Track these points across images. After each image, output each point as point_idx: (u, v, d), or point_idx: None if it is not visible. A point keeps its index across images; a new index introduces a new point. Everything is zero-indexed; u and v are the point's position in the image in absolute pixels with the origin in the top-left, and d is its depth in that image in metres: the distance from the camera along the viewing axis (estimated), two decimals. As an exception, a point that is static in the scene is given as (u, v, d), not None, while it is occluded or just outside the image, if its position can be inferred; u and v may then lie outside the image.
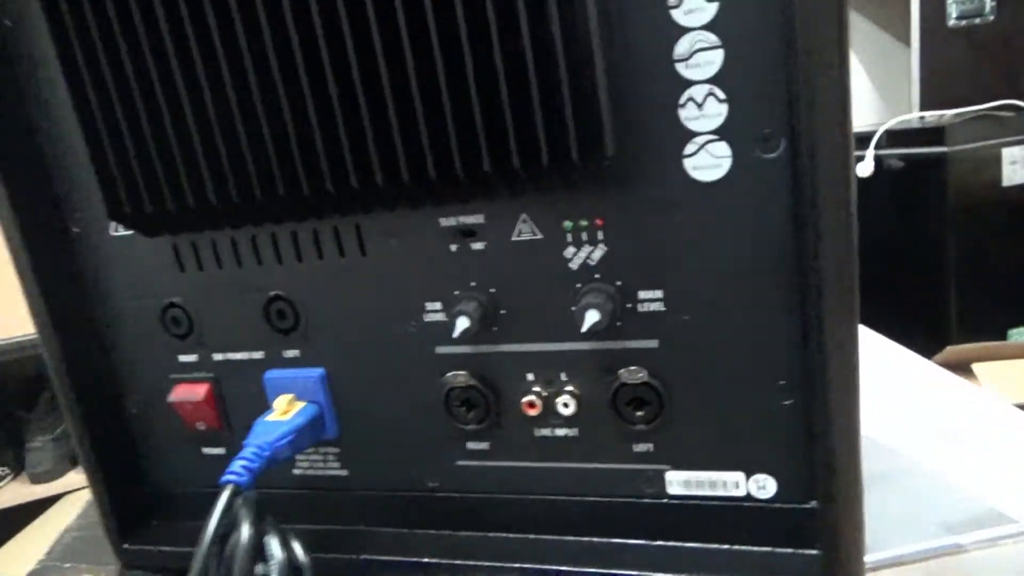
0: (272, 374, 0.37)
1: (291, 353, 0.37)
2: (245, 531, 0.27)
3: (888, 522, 0.34)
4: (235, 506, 0.29)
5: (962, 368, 1.37)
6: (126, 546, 0.40)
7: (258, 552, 0.29)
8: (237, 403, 0.38)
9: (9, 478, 1.69)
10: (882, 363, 0.57)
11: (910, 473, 0.39)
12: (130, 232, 0.37)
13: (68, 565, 0.42)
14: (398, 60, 0.28)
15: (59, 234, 0.38)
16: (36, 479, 1.68)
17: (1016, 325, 1.89)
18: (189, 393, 0.38)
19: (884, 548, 0.33)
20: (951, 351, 1.46)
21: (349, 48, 0.28)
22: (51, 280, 0.37)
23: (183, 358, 0.38)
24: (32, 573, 0.41)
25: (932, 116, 2.06)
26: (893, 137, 1.80)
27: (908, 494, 0.37)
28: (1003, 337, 1.85)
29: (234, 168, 0.31)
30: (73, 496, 1.57)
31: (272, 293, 0.36)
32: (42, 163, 0.37)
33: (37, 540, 1.39)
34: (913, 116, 2.13)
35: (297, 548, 0.28)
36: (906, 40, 2.26)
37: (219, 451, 0.40)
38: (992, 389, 1.20)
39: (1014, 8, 2.12)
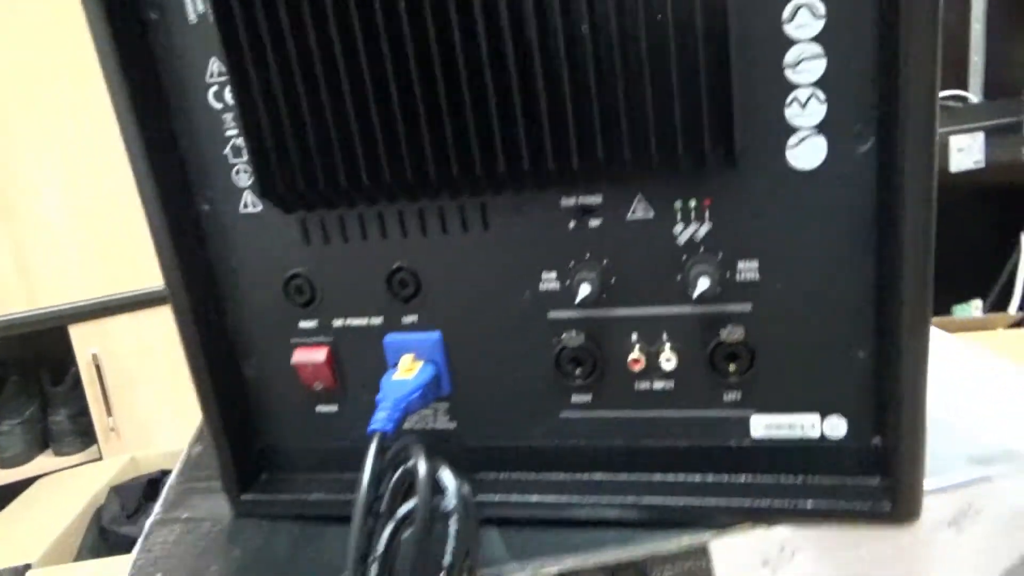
0: (392, 337, 0.41)
1: (409, 319, 0.41)
2: (423, 464, 0.32)
3: (928, 459, 0.40)
4: (409, 444, 0.33)
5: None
6: (243, 497, 0.44)
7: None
8: (352, 365, 0.42)
9: (-22, 464, 1.67)
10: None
11: (938, 418, 0.46)
12: (258, 209, 0.40)
13: (185, 515, 0.45)
14: (552, 59, 0.32)
15: (191, 211, 0.41)
16: (5, 464, 1.66)
17: (959, 302, 2.03)
18: (310, 355, 0.42)
19: (928, 480, 0.39)
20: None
21: (506, 37, 0.32)
22: (184, 255, 0.40)
23: (304, 324, 0.42)
24: (155, 523, 0.45)
25: (884, 105, 2.17)
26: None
27: (940, 436, 0.43)
28: (948, 312, 1.98)
29: (388, 151, 0.35)
30: (46, 480, 1.56)
31: (396, 264, 0.40)
32: (176, 147, 0.40)
33: (11, 525, 1.39)
34: (867, 104, 2.22)
35: (464, 481, 0.33)
36: (860, 31, 2.36)
37: (332, 408, 0.44)
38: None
39: (959, 4, 2.23)
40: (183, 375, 0.41)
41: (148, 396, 1.67)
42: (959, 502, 0.39)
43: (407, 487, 0.33)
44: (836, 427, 0.38)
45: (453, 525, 0.31)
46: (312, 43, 0.34)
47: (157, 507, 0.46)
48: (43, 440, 1.74)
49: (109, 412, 1.68)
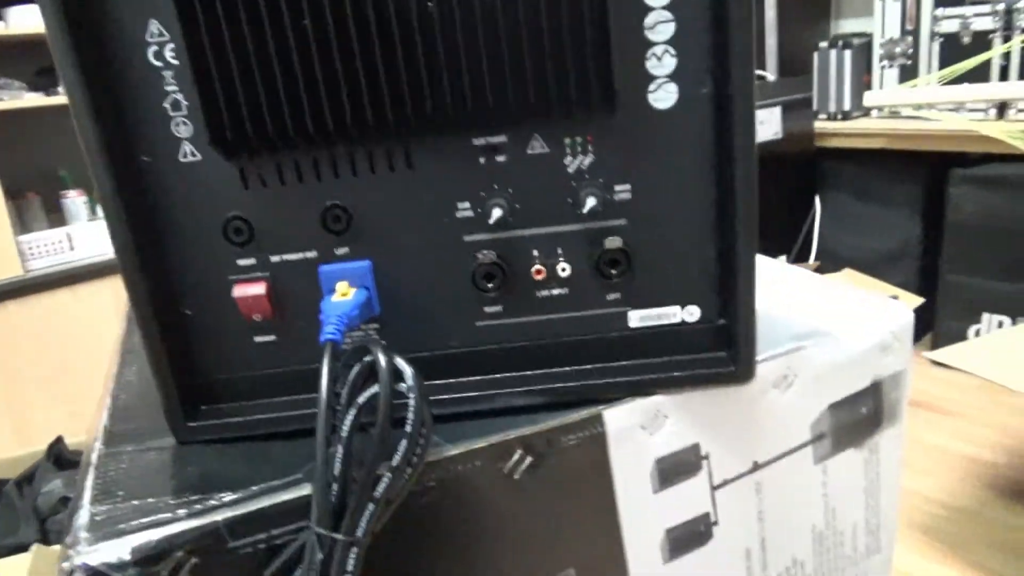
0: (326, 267, 0.47)
1: (342, 251, 0.47)
2: (382, 355, 0.39)
3: (760, 338, 0.51)
4: (368, 343, 0.40)
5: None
6: (189, 424, 0.49)
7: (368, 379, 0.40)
8: (288, 296, 0.48)
9: None
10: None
11: (769, 312, 0.58)
12: (198, 158, 0.45)
13: (130, 448, 0.49)
14: (472, 21, 0.40)
15: (133, 163, 0.45)
16: None
17: (768, 256, 2.30)
18: (249, 289, 0.47)
19: (760, 352, 0.51)
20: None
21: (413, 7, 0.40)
22: (127, 205, 0.44)
23: (242, 262, 0.47)
24: (101, 455, 0.48)
25: (699, 83, 2.40)
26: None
27: (770, 323, 0.56)
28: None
29: (330, 99, 0.41)
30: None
31: (329, 203, 0.46)
32: (116, 104, 0.44)
33: None
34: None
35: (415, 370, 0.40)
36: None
37: (270, 338, 0.49)
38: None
39: (756, -8, 2.50)
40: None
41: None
42: (781, 368, 0.51)
43: (363, 381, 0.40)
44: (692, 314, 0.48)
45: (412, 402, 0.38)
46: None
47: (96, 446, 0.49)
48: None
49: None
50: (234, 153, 0.44)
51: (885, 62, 2.48)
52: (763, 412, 0.51)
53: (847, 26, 2.78)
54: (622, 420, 0.48)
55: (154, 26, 0.43)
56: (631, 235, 0.46)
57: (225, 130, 0.42)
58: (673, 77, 0.43)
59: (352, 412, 0.40)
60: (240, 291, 0.47)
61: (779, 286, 0.67)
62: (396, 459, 0.38)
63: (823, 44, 2.47)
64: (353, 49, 0.40)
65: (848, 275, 1.92)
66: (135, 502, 0.43)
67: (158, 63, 0.43)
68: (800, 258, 2.50)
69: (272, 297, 0.48)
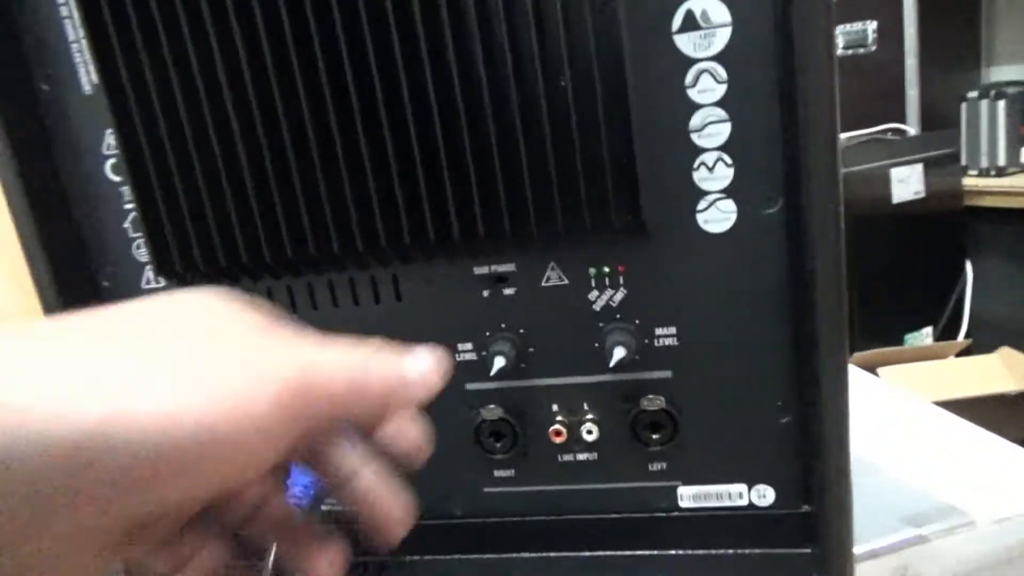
0: (304, 415, 0.39)
1: (323, 394, 0.39)
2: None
3: (861, 519, 0.38)
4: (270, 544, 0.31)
5: (868, 372, 1.49)
6: None
7: None
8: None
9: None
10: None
11: (865, 474, 0.45)
12: (161, 284, 0.38)
13: None
14: (455, 130, 0.31)
15: (91, 289, 0.39)
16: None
17: (911, 330, 2.06)
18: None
19: (860, 543, 0.38)
20: (856, 358, 1.59)
21: (407, 111, 0.31)
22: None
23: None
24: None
25: (827, 139, 2.23)
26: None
27: (871, 494, 0.43)
28: (900, 341, 2.01)
29: (289, 226, 0.33)
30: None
31: (306, 339, 0.38)
32: (71, 223, 0.38)
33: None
34: (811, 139, 2.28)
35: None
36: (801, 68, 2.43)
37: (245, 491, 0.41)
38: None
39: (892, 39, 2.31)
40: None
41: None
42: (894, 565, 0.38)
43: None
44: (764, 495, 0.36)
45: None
46: (208, 120, 0.33)
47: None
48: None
49: None
50: (189, 283, 0.37)
51: (1047, 112, 2.21)
52: (867, 626, 0.38)
53: (1000, 74, 2.51)
54: (666, 633, 0.36)
55: (111, 137, 0.37)
56: (678, 392, 0.36)
57: (172, 258, 0.35)
58: (729, 192, 0.33)
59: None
60: (208, 437, 0.40)
61: (883, 421, 0.53)
62: None
63: (972, 94, 2.23)
64: (314, 164, 0.33)
65: (1003, 357, 1.66)
66: None
67: (116, 177, 0.37)
68: (948, 332, 2.23)
69: (245, 445, 0.40)
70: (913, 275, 2.17)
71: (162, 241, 0.34)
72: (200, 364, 0.19)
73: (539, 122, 0.31)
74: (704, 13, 0.31)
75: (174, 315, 0.21)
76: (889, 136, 2.16)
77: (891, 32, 2.34)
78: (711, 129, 0.32)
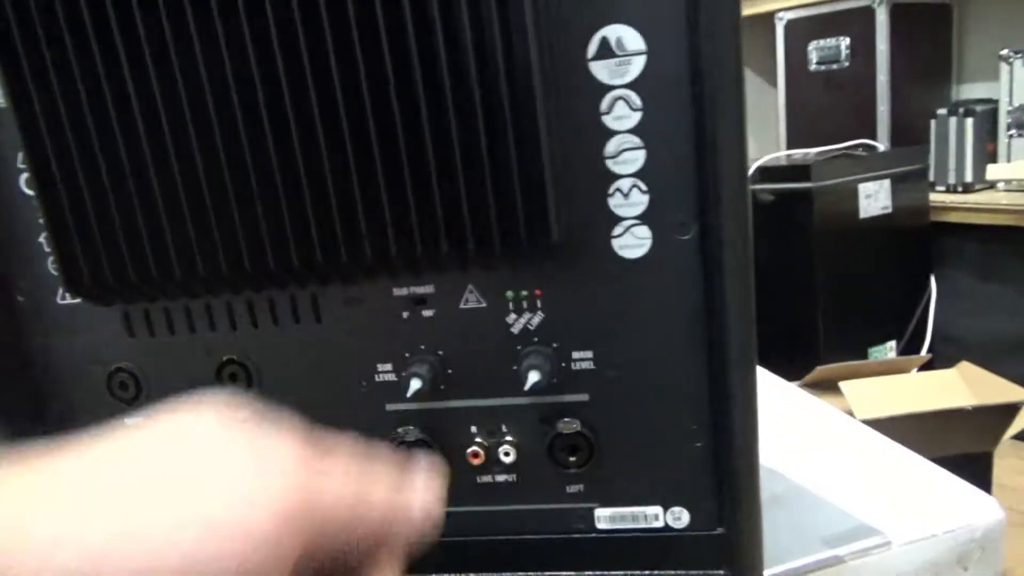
0: (224, 432, 0.38)
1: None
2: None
3: (778, 539, 0.39)
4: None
5: (830, 385, 1.51)
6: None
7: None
8: (185, 461, 0.40)
9: None
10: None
11: (789, 495, 0.45)
12: (77, 300, 0.38)
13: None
14: (365, 146, 0.31)
15: (5, 303, 0.38)
16: None
17: (875, 344, 2.09)
18: (137, 453, 0.39)
19: (775, 564, 0.38)
20: (820, 371, 1.60)
21: (319, 131, 0.31)
22: (-6, 347, 0.37)
23: (130, 421, 0.39)
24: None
25: (798, 154, 2.25)
26: (764, 173, 1.96)
27: (791, 514, 0.43)
28: (864, 355, 2.03)
29: (200, 242, 0.33)
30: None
31: (225, 357, 0.38)
32: (-14, 232, 0.37)
33: None
34: (781, 154, 2.31)
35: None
36: (773, 82, 2.46)
37: (166, 508, 0.41)
38: (856, 404, 1.33)
39: (865, 55, 2.34)
40: None
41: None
42: (809, 588, 0.38)
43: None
44: (678, 517, 0.37)
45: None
46: (116, 128, 0.32)
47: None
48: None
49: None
50: (100, 299, 0.36)
51: (1013, 131, 2.25)
52: (781, 649, 0.38)
53: (969, 91, 2.55)
54: (580, 656, 0.36)
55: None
56: (595, 415, 0.36)
57: (81, 274, 0.34)
58: (644, 218, 0.33)
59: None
60: (127, 454, 0.39)
61: (813, 441, 0.53)
62: None
63: (942, 111, 2.27)
64: (223, 180, 0.32)
65: (963, 372, 1.69)
66: None
67: (31, 192, 0.37)
68: (912, 346, 2.26)
69: (165, 462, 0.40)
70: (879, 289, 2.19)
71: (71, 257, 0.34)
72: (199, 495, 0.20)
73: (449, 143, 0.31)
74: (619, 41, 0.31)
75: (174, 445, 0.22)
76: (859, 152, 2.18)
77: (864, 48, 2.37)
78: (626, 156, 0.32)
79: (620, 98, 0.32)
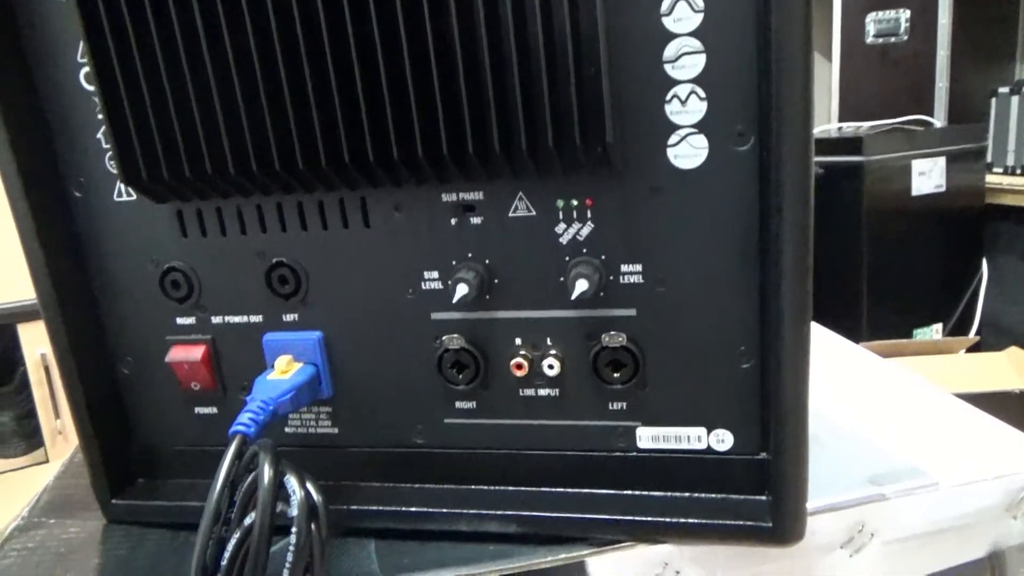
0: (271, 336, 0.39)
1: (290, 317, 0.39)
2: (267, 471, 0.30)
3: (822, 476, 0.38)
4: (259, 448, 0.31)
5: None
6: (114, 501, 0.42)
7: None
8: (232, 365, 0.40)
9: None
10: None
11: (839, 436, 0.45)
12: (133, 198, 0.38)
13: (52, 520, 0.43)
14: (420, 45, 0.31)
15: (61, 198, 0.39)
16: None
17: (920, 326, 2.04)
18: (186, 354, 0.40)
19: (816, 498, 0.38)
20: (864, 347, 1.56)
21: (374, 28, 0.31)
22: (52, 244, 0.38)
23: (181, 320, 0.40)
24: (17, 528, 0.42)
25: (849, 127, 2.19)
26: (815, 145, 1.91)
27: (838, 453, 0.42)
28: (909, 336, 1.99)
29: (255, 138, 0.33)
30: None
31: (275, 260, 0.38)
32: (46, 129, 0.38)
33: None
34: (832, 127, 2.26)
35: (312, 487, 0.31)
36: (828, 55, 2.39)
37: (211, 411, 0.42)
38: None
39: (924, 29, 2.26)
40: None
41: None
42: (851, 522, 0.38)
43: (252, 496, 0.31)
44: (722, 440, 0.36)
45: (293, 536, 0.29)
46: (175, 24, 0.32)
47: (24, 511, 0.44)
48: (-7, 438, 1.70)
49: (57, 414, 1.64)
50: (156, 195, 0.37)
51: (1079, 112, 2.15)
52: (819, 580, 0.38)
53: (1035, 70, 2.45)
54: (613, 572, 0.36)
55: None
56: (641, 331, 0.35)
57: (138, 167, 0.35)
58: (702, 127, 0.32)
59: (237, 535, 0.31)
60: (176, 355, 0.40)
61: (870, 390, 0.52)
62: (268, 611, 0.29)
63: (1003, 89, 2.18)
64: (280, 75, 0.32)
65: (1011, 356, 1.64)
66: (7, 601, 0.36)
67: (90, 87, 0.37)
68: (958, 330, 2.20)
69: (212, 364, 0.40)
70: (927, 270, 2.14)
71: (129, 150, 0.34)
72: None
73: (504, 43, 0.30)
74: (685, -60, 0.30)
75: None
76: (913, 128, 2.11)
77: (924, 22, 2.29)
78: (685, 60, 0.31)
79: None
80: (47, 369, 1.61)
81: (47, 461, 1.64)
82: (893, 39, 2.36)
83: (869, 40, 2.37)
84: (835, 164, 1.92)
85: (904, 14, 2.34)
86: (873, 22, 2.35)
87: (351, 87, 0.32)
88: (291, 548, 0.29)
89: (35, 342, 1.59)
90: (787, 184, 0.30)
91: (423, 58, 0.31)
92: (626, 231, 0.34)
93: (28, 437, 1.67)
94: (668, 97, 0.32)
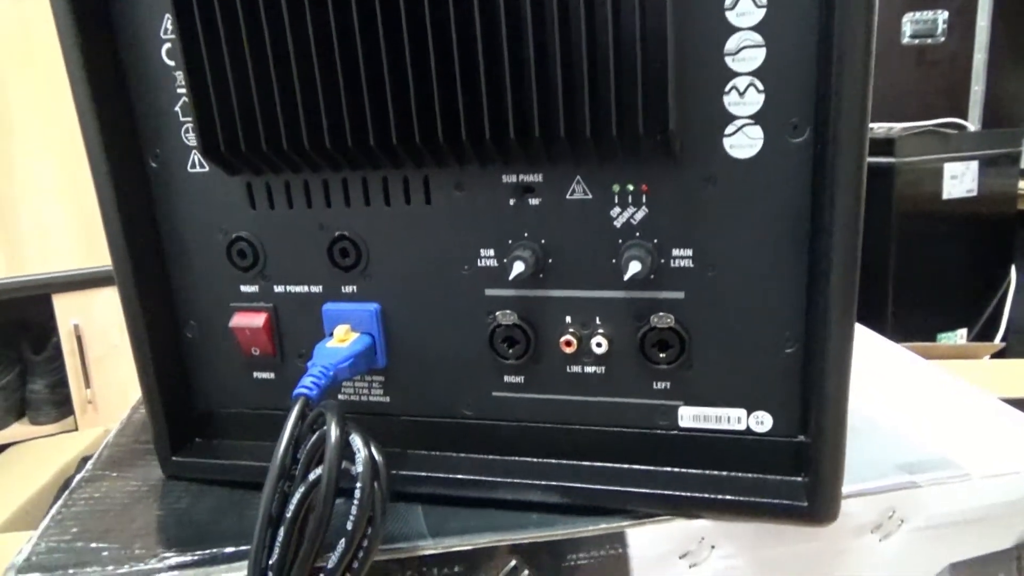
0: (330, 306, 0.41)
1: (349, 288, 0.41)
2: (334, 430, 0.32)
3: (856, 462, 0.39)
4: (324, 409, 0.33)
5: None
6: (174, 458, 0.44)
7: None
8: (291, 332, 0.42)
9: (-47, 430, 1.68)
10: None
11: (874, 426, 0.46)
12: (206, 169, 0.40)
13: (115, 474, 0.45)
14: (493, 30, 0.32)
15: (138, 168, 0.41)
16: (-21, 431, 1.66)
17: (945, 330, 2.03)
18: (248, 320, 0.42)
19: (850, 483, 0.39)
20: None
21: (450, 10, 0.32)
22: (127, 211, 0.40)
23: (245, 288, 0.42)
24: (83, 479, 0.44)
25: (882, 128, 2.18)
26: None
27: (873, 442, 0.44)
28: (933, 340, 1.98)
29: (330, 115, 0.35)
30: (19, 448, 1.56)
31: (337, 233, 0.40)
32: (127, 101, 0.40)
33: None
34: (865, 127, 2.23)
35: (375, 448, 0.33)
36: (864, 54, 2.37)
37: (269, 375, 0.44)
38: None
39: (962, 31, 2.24)
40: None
41: (128, 370, 1.66)
42: (882, 507, 0.39)
43: (320, 452, 0.33)
44: (762, 422, 0.37)
45: (358, 492, 0.31)
46: (261, 9, 0.34)
47: (89, 464, 0.46)
48: (20, 408, 1.74)
49: (88, 384, 1.68)
50: (231, 167, 0.38)
51: (1117, 120, 2.13)
52: (851, 564, 0.39)
53: (1074, 76, 2.41)
54: (651, 544, 0.38)
55: (169, 21, 0.38)
56: (689, 313, 0.37)
57: (217, 139, 0.36)
58: (758, 119, 0.33)
59: (303, 488, 0.33)
60: (238, 321, 0.42)
61: (904, 384, 0.53)
62: (332, 561, 0.31)
63: (1041, 94, 2.16)
64: (356, 56, 0.34)
65: (1038, 364, 1.63)
66: (79, 544, 0.38)
67: (171, 62, 0.39)
68: (984, 335, 2.19)
69: (272, 331, 0.42)
70: (955, 274, 2.12)
71: (209, 122, 0.36)
72: None
73: (575, 33, 0.32)
74: (750, -63, 0.32)
75: None
76: (947, 130, 2.10)
77: (963, 24, 2.26)
78: (746, 53, 0.33)
79: (746, -5, 0.32)
80: (79, 339, 1.65)
81: (76, 429, 1.68)
82: (930, 40, 2.33)
83: (905, 40, 2.35)
84: (867, 164, 1.90)
85: (942, 15, 2.32)
86: (910, 22, 2.33)
87: (425, 68, 0.33)
88: (356, 502, 0.31)
89: (69, 312, 1.63)
90: (841, 177, 0.32)
91: (495, 44, 0.32)
92: (679, 217, 0.35)
93: (59, 405, 1.72)
94: (727, 88, 0.33)
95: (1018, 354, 2.10)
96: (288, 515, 0.33)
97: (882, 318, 1.91)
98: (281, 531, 0.32)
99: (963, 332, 2.17)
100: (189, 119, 0.40)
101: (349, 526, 0.31)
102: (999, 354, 1.89)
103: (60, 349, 1.65)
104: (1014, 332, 2.20)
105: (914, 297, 1.96)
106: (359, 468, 0.31)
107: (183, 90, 0.39)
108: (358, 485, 0.31)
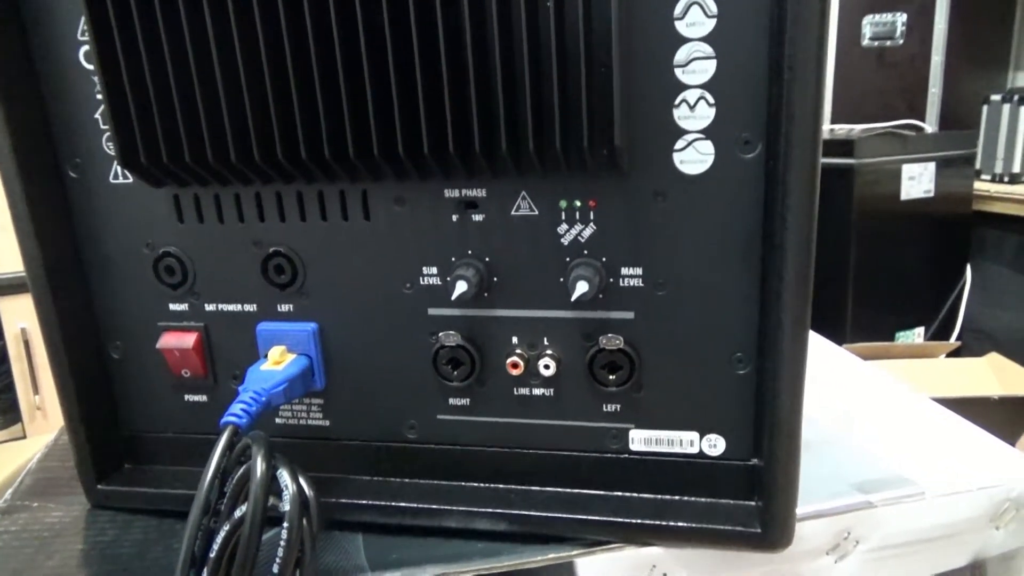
0: (265, 326, 0.39)
1: (285, 307, 0.39)
2: (260, 465, 0.30)
3: (810, 482, 0.38)
4: (252, 441, 0.31)
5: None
6: (100, 487, 0.41)
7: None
8: (224, 353, 0.40)
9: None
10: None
11: (826, 440, 0.45)
12: (129, 181, 0.38)
13: (36, 504, 0.42)
14: (431, 41, 0.30)
15: (56, 178, 0.38)
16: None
17: (903, 328, 2.06)
18: (178, 341, 0.39)
19: (803, 504, 0.38)
20: (846, 349, 1.58)
21: (384, 22, 0.30)
22: (44, 223, 0.38)
23: (173, 306, 0.40)
24: (0, 511, 0.42)
25: (842, 129, 2.20)
26: (807, 146, 1.91)
27: (826, 458, 0.43)
28: (891, 338, 2.01)
29: (259, 127, 0.33)
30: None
31: (272, 249, 0.38)
32: (42, 107, 0.37)
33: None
34: (825, 128, 2.26)
35: (304, 482, 0.31)
36: (824, 55, 2.39)
37: (201, 398, 0.41)
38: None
39: (921, 33, 2.27)
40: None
41: (77, 375, 1.62)
42: (837, 528, 0.38)
43: (243, 487, 0.31)
44: (714, 445, 0.36)
45: (284, 532, 0.29)
46: (181, 9, 0.32)
47: (8, 494, 0.43)
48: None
49: (36, 390, 1.63)
50: (153, 179, 0.36)
51: (1069, 123, 2.17)
52: (805, 586, 0.38)
53: (1026, 79, 2.47)
54: (602, 573, 0.36)
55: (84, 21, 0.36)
56: (638, 334, 0.35)
57: (137, 150, 0.34)
58: (709, 133, 0.32)
59: (226, 528, 0.31)
60: (167, 341, 0.40)
61: (856, 397, 0.53)
62: (257, 605, 0.29)
63: (995, 97, 2.20)
64: (286, 66, 0.32)
65: (992, 362, 1.66)
66: (-10, 584, 0.36)
67: (89, 65, 0.36)
68: (941, 334, 2.22)
69: (204, 352, 0.40)
70: (912, 273, 2.16)
71: (128, 132, 0.34)
72: None
73: (516, 42, 0.30)
74: (700, -57, 0.30)
75: None
76: (904, 132, 2.13)
77: (921, 26, 2.30)
78: (696, 65, 0.31)
79: (695, 3, 0.31)
80: (27, 344, 1.59)
81: (24, 437, 1.63)
82: (889, 42, 2.37)
83: (865, 43, 2.38)
84: (826, 166, 1.92)
85: (901, 17, 2.35)
86: (870, 24, 2.36)
87: (359, 81, 0.31)
88: (282, 543, 0.29)
89: (14, 316, 1.58)
90: (793, 193, 0.30)
91: (433, 54, 0.30)
92: (628, 234, 0.34)
93: (5, 412, 1.66)
94: (677, 102, 0.32)
95: (973, 352, 2.14)
96: (212, 555, 0.30)
97: (841, 316, 1.93)
98: (205, 573, 0.30)
99: (920, 330, 2.21)
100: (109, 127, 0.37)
101: (276, 568, 0.29)
102: (955, 352, 1.93)
103: (7, 354, 1.59)
104: (969, 330, 2.24)
105: (873, 296, 1.98)
106: (286, 506, 0.29)
107: (101, 96, 0.37)
108: (284, 525, 0.29)
